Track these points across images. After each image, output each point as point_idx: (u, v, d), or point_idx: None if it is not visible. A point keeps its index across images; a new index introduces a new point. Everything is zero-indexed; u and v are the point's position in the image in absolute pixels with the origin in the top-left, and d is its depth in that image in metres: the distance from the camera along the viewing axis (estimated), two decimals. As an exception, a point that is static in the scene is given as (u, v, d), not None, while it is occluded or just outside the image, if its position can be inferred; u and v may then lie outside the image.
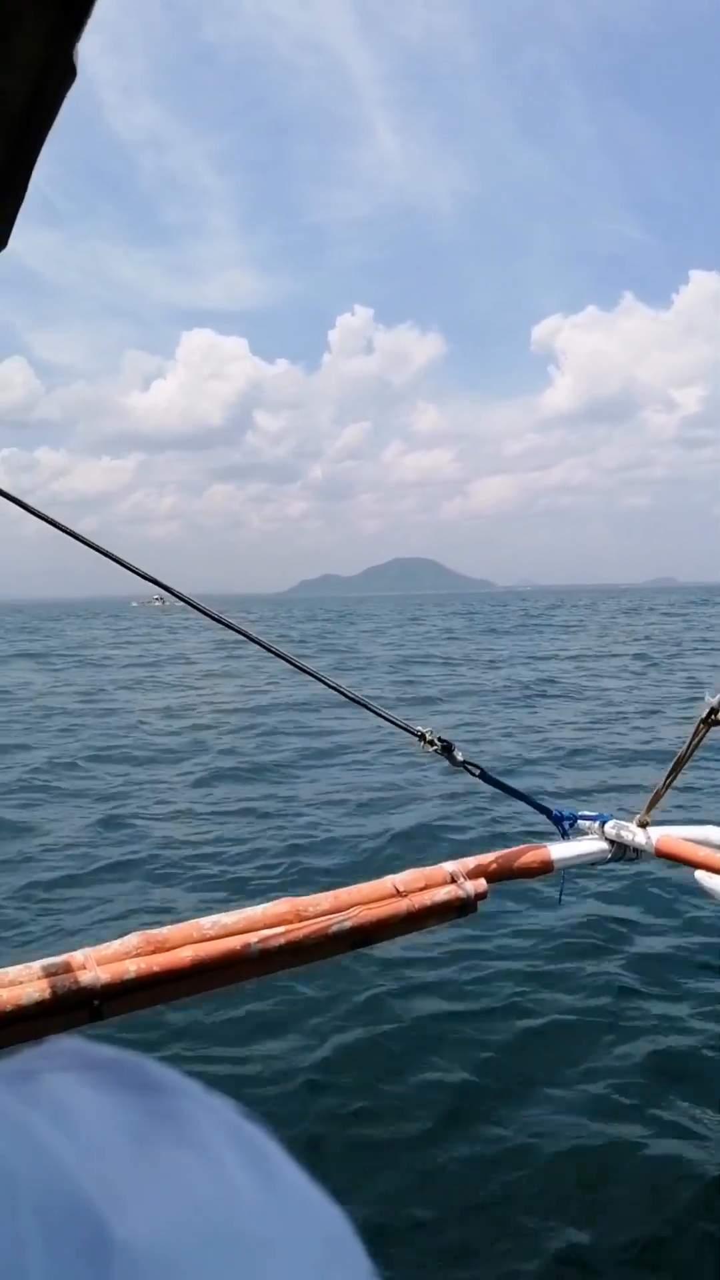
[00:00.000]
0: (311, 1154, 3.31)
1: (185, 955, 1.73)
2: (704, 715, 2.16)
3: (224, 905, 1.98)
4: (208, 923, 1.82)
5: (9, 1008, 1.52)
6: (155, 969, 1.69)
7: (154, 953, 1.71)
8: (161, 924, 1.80)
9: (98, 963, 1.66)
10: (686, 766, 2.34)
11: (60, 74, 0.72)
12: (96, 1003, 1.62)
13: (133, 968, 1.66)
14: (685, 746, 2.28)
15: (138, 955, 1.70)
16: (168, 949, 1.73)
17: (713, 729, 2.18)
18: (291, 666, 2.54)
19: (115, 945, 1.72)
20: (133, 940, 1.73)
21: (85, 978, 1.62)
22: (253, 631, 2.50)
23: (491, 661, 25.83)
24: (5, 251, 1.06)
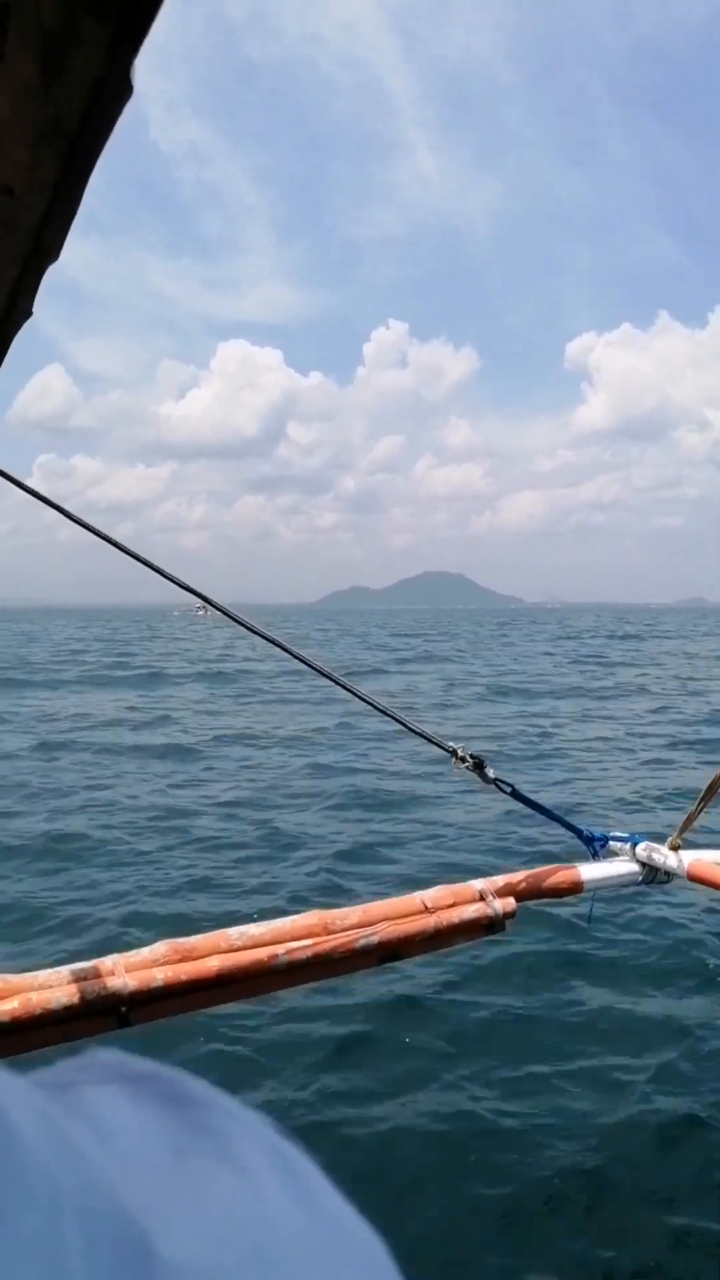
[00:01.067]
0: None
1: (212, 965, 1.74)
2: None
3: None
4: (235, 933, 1.83)
5: (38, 1010, 1.54)
6: (182, 978, 1.70)
7: (181, 961, 1.72)
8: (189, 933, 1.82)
9: (126, 969, 1.67)
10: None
11: (116, 91, 0.73)
12: (124, 1009, 1.63)
13: (160, 975, 1.68)
14: (721, 770, 2.25)
15: (165, 964, 1.71)
16: (195, 958, 1.74)
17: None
18: (326, 679, 2.55)
19: (144, 953, 1.74)
20: (160, 948, 1.74)
21: (113, 984, 1.63)
22: (289, 644, 2.52)
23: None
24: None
